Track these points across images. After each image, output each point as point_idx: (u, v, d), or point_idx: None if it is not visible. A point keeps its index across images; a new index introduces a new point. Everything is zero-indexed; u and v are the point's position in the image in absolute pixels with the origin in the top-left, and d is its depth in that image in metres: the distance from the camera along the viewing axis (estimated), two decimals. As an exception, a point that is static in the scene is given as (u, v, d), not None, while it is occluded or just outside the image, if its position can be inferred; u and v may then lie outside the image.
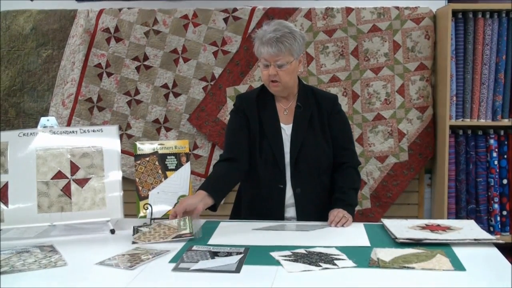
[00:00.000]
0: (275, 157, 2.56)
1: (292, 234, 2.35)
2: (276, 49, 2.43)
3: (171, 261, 1.98)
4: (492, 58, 3.39)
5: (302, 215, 2.58)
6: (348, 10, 3.61)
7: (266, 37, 2.44)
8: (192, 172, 3.65)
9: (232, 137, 2.64)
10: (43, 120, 2.53)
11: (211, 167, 3.76)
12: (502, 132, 3.44)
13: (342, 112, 2.68)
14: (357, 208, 3.68)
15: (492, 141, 3.43)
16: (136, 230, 2.28)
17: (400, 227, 2.31)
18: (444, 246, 2.09)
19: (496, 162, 3.42)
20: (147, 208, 2.49)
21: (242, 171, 2.60)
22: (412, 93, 3.63)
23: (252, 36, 2.56)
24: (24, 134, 2.48)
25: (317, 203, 2.60)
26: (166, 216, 2.49)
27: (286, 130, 2.60)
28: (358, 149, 3.66)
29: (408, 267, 1.88)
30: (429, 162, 3.74)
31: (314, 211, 2.58)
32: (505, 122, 3.40)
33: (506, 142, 3.43)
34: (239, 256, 2.01)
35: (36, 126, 2.52)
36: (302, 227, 2.44)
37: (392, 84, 3.64)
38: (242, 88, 3.64)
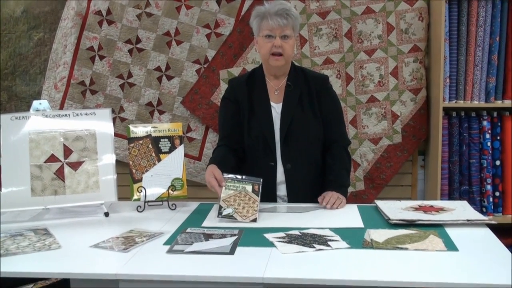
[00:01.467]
0: (265, 134, 2.59)
1: (286, 216, 2.36)
2: (286, 20, 2.50)
3: (165, 243, 1.99)
4: (486, 40, 3.38)
5: (293, 192, 2.61)
6: (342, -8, 3.59)
7: (275, 9, 2.52)
8: (186, 155, 3.65)
9: (225, 126, 2.69)
10: (35, 103, 2.52)
11: (205, 149, 3.76)
12: (495, 114, 3.44)
13: (332, 91, 2.70)
14: (351, 189, 3.69)
15: (485, 123, 3.43)
16: (220, 208, 2.28)
17: (394, 209, 2.32)
18: (437, 227, 2.11)
19: (489, 144, 3.43)
20: (141, 191, 2.49)
21: (239, 157, 2.65)
22: (405, 75, 3.63)
23: (253, 13, 2.59)
24: (16, 118, 2.46)
25: (308, 180, 2.63)
26: (160, 199, 2.50)
27: (277, 108, 2.62)
28: (351, 131, 3.66)
29: (401, 248, 1.89)
30: (423, 144, 3.74)
31: (305, 188, 2.61)
32: (498, 103, 3.41)
33: (499, 124, 3.44)
34: (233, 238, 2.02)
35: (28, 110, 2.51)
36: (296, 208, 2.45)
37: (386, 66, 3.63)
38: (236, 71, 3.63)
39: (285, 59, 2.54)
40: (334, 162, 2.62)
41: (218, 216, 2.25)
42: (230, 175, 2.34)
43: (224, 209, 2.26)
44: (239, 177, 2.35)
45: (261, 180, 2.35)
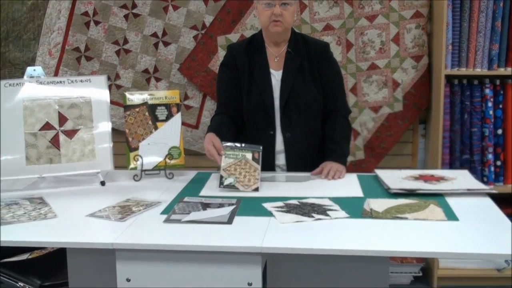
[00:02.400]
0: (264, 102, 2.58)
1: (284, 185, 2.36)
2: None
3: (162, 213, 1.99)
4: (489, 6, 3.34)
5: (293, 162, 2.62)
6: (343, -44, 3.54)
7: None
8: (183, 123, 3.64)
9: (223, 93, 2.68)
10: (29, 70, 2.50)
11: (203, 118, 3.74)
12: (498, 82, 3.42)
13: (333, 59, 2.69)
14: (351, 159, 3.69)
15: (487, 91, 3.41)
16: (222, 178, 2.28)
17: (394, 178, 2.32)
18: (438, 197, 2.11)
19: (491, 112, 3.42)
20: (138, 160, 2.49)
21: (238, 125, 2.65)
22: (407, 42, 3.59)
23: None
24: (10, 85, 2.44)
25: (308, 150, 2.63)
26: (157, 168, 2.50)
27: (276, 76, 2.61)
28: (351, 99, 3.65)
29: (401, 218, 1.89)
30: (424, 113, 3.73)
31: (304, 158, 2.62)
32: (501, 71, 3.38)
33: (501, 92, 3.42)
34: (231, 208, 2.02)
35: (22, 77, 2.49)
36: (295, 178, 2.45)
37: (387, 33, 3.59)
38: (234, 37, 3.59)
39: (284, 26, 2.52)
40: (334, 131, 2.62)
41: (220, 186, 2.24)
42: (229, 143, 2.34)
43: (226, 178, 2.26)
44: (238, 145, 2.34)
45: (261, 148, 2.35)
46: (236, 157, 2.32)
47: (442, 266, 3.43)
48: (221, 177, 2.27)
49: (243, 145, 2.35)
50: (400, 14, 3.57)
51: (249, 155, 2.33)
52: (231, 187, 2.24)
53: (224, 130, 2.52)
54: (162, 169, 2.51)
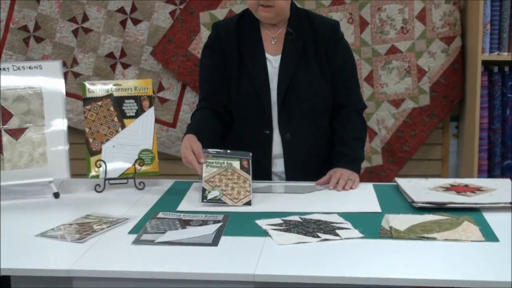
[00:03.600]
0: (258, 95, 2.59)
1: (283, 197, 2.36)
2: None
3: (131, 232, 1.99)
4: (538, -25, 3.36)
5: (293, 169, 2.62)
6: None
7: None
8: (157, 121, 3.64)
9: (207, 83, 2.69)
10: (-36, 53, 2.49)
11: (181, 114, 3.75)
12: (547, 69, 3.44)
13: (344, 41, 2.69)
14: (366, 164, 3.70)
15: (535, 81, 3.43)
16: (204, 191, 2.27)
17: (419, 189, 2.32)
18: (473, 212, 2.11)
19: (539, 107, 3.44)
20: (100, 166, 2.49)
21: (225, 123, 2.66)
22: (435, 20, 3.61)
23: None
24: None
25: (312, 153, 2.65)
26: (124, 176, 2.50)
27: (273, 62, 2.61)
28: (367, 90, 3.66)
29: (427, 238, 1.90)
30: (456, 107, 3.74)
31: (308, 164, 2.63)
32: (552, 56, 3.40)
33: (552, 82, 3.44)
34: (217, 225, 2.02)
35: (-45, 62, 2.49)
36: (295, 188, 2.45)
37: (411, 8, 3.61)
38: (220, 13, 3.60)
39: (275, 11, 2.53)
40: (345, 131, 2.63)
41: (202, 201, 2.24)
42: (211, 150, 2.34)
43: (209, 191, 2.26)
44: (222, 151, 2.34)
45: (251, 155, 2.35)
46: (220, 166, 2.32)
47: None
48: (204, 189, 2.27)
49: (228, 151, 2.35)
50: (426, -15, 3.59)
51: (236, 164, 2.33)
52: (217, 201, 2.24)
53: (207, 130, 2.52)
54: (131, 178, 2.51)
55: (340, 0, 3.59)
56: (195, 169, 2.32)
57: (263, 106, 2.59)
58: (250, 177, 2.32)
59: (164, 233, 1.96)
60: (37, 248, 1.90)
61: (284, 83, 2.58)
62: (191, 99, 3.72)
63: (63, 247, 1.90)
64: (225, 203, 2.24)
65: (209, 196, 2.25)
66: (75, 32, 3.69)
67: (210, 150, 2.35)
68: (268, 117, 2.60)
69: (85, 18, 3.67)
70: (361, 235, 1.93)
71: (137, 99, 2.56)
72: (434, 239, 1.90)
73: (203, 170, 2.31)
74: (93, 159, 2.51)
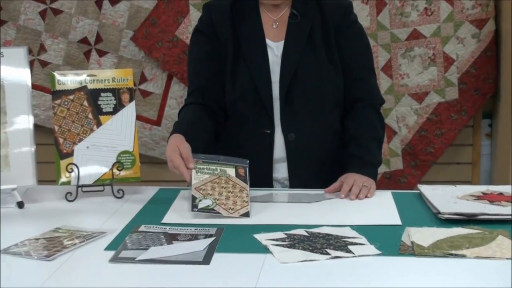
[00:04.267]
0: (257, 88, 2.60)
1: (287, 207, 2.37)
2: None
3: (108, 248, 1.99)
4: None
5: (298, 174, 2.64)
6: None
7: None
8: (139, 117, 3.64)
9: (197, 74, 2.70)
10: None
11: (167, 109, 3.75)
12: None
13: (358, 25, 2.70)
14: (383, 169, 3.70)
15: None
16: (194, 199, 2.27)
17: (446, 197, 2.32)
18: (509, 224, 2.11)
19: None
20: (72, 171, 2.49)
21: (218, 121, 2.67)
22: (465, 0, 3.61)
23: None
24: None
25: (320, 157, 2.66)
26: (100, 183, 2.50)
27: (275, 49, 2.62)
28: (384, 82, 3.66)
29: (456, 255, 1.90)
30: (489, 102, 3.75)
31: (315, 168, 2.64)
32: None
33: None
34: (209, 240, 2.02)
35: None
36: (301, 197, 2.46)
37: (436, -14, 3.61)
38: (213, -8, 3.60)
39: None
40: (359, 129, 2.64)
41: (192, 210, 2.24)
42: (201, 156, 2.34)
43: (200, 200, 2.26)
44: (213, 157, 2.35)
45: (248, 162, 2.35)
46: (212, 173, 2.32)
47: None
48: (194, 198, 2.26)
49: (221, 157, 2.35)
50: (454, -42, 3.60)
51: (231, 171, 2.33)
52: (209, 211, 2.24)
53: (197, 130, 2.53)
54: (108, 185, 2.51)
55: (353, -24, 3.59)
56: (183, 175, 2.31)
57: (262, 101, 2.60)
58: (247, 186, 2.32)
59: (146, 249, 1.96)
60: (-2, 267, 1.90)
61: (288, 73, 2.59)
62: (179, 92, 3.73)
63: (28, 266, 1.89)
64: (218, 213, 2.24)
65: (200, 205, 2.25)
66: (42, 14, 3.69)
67: (200, 155, 2.35)
68: (269, 114, 2.60)
69: (54, -3, 3.68)
70: (378, 251, 1.93)
71: (115, 92, 2.56)
72: (463, 256, 1.89)
73: (192, 176, 2.31)
74: (63, 163, 2.51)
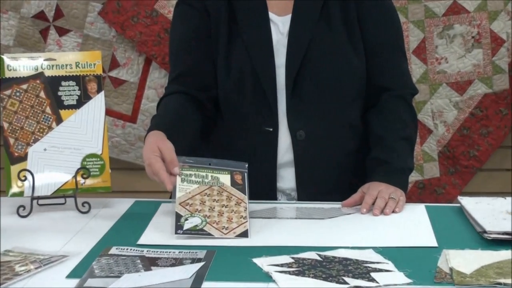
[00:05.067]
0: (258, 74, 2.60)
1: (294, 224, 2.38)
2: None
3: (70, 276, 1.99)
4: None
5: (308, 183, 2.65)
6: None
7: None
8: (109, 112, 3.64)
9: (182, 56, 2.71)
10: None
11: (144, 102, 3.76)
12: None
13: (383, -2, 2.71)
14: (415, 176, 3.71)
15: None
16: (179, 218, 2.27)
17: (493, 212, 2.33)
18: None
19: None
20: (25, 179, 2.49)
21: (207, 116, 2.68)
22: (517, -36, 3.63)
23: None
24: None
25: (336, 161, 2.67)
26: (61, 193, 2.50)
27: (281, 25, 2.63)
28: (417, 68, 3.67)
29: (505, 284, 1.90)
30: (548, 93, 3.75)
31: (329, 176, 2.65)
32: None
33: None
34: (197, 266, 2.03)
35: None
36: (312, 211, 2.47)
37: None
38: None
39: None
40: (385, 127, 2.65)
41: (176, 232, 2.23)
42: (188, 159, 2.34)
43: (186, 218, 2.26)
44: (203, 160, 2.35)
45: (246, 166, 2.36)
46: (202, 181, 2.32)
47: None
48: (178, 216, 2.26)
49: (213, 161, 2.36)
50: None
51: (225, 178, 2.34)
52: (198, 232, 2.24)
53: (180, 125, 2.54)
54: (71, 196, 2.52)
55: None
56: (164, 183, 2.30)
57: (264, 90, 2.61)
58: (246, 198, 2.32)
59: (119, 277, 1.96)
60: None
61: (296, 56, 2.59)
62: (159, 80, 3.74)
63: (-29, 298, 1.90)
64: (210, 234, 2.24)
65: (186, 226, 2.25)
66: (-12, -18, 3.70)
67: (186, 158, 2.35)
68: (272, 107, 2.61)
69: (3, -38, 3.69)
70: (408, 280, 1.94)
71: (80, 80, 2.56)
72: (514, 286, 1.90)
73: (177, 187, 2.31)
74: (14, 169, 2.51)
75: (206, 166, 2.35)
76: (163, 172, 2.29)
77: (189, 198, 2.29)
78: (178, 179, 2.30)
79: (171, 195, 2.33)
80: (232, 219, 2.27)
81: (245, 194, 2.33)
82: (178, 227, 2.23)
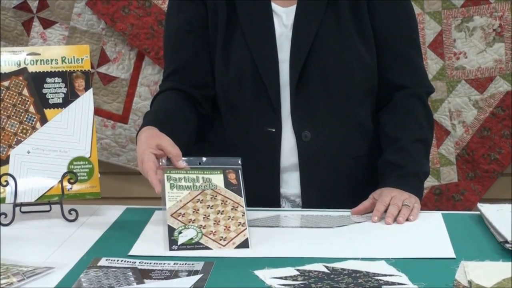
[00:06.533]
0: (258, 69, 2.61)
1: (299, 234, 2.38)
2: None
3: (56, 289, 2.00)
4: None
5: (314, 189, 2.65)
6: None
7: None
8: (98, 112, 3.65)
9: (177, 51, 2.72)
10: None
11: (136, 100, 3.76)
12: None
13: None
14: (431, 182, 3.71)
15: None
16: (172, 231, 2.26)
17: (515, 221, 2.34)
18: None
19: None
20: (7, 184, 2.50)
21: (203, 114, 2.70)
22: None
23: None
24: None
25: (345, 165, 2.67)
26: (45, 200, 2.51)
27: (285, 16, 2.64)
28: (433, 64, 3.68)
29: (528, 299, 1.91)
30: None
31: (337, 181, 2.65)
32: None
33: None
34: (194, 279, 2.03)
35: None
36: (318, 219, 2.48)
37: None
38: None
39: None
40: (398, 128, 2.65)
41: (171, 248, 2.23)
42: (184, 159, 2.35)
43: (180, 231, 2.26)
44: (193, 159, 2.35)
45: (240, 161, 2.36)
46: (193, 185, 2.33)
47: None
48: (170, 229, 2.26)
49: (203, 160, 2.36)
50: None
51: (217, 179, 2.34)
52: (193, 246, 2.24)
53: (174, 124, 2.54)
54: (56, 203, 2.53)
55: None
56: (152, 185, 2.30)
57: (266, 87, 2.61)
58: (242, 200, 2.33)
59: (109, 291, 1.98)
60: None
61: (302, 50, 2.60)
62: (152, 77, 3.75)
63: None
64: (207, 247, 2.24)
65: (181, 240, 2.24)
66: (-34, -30, 3.71)
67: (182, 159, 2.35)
68: (274, 105, 2.62)
69: None
70: (423, 294, 1.95)
71: (66, 76, 2.57)
72: (539, 301, 1.91)
73: (166, 195, 2.31)
74: (-5, 173, 2.52)
75: (196, 165, 2.34)
76: (152, 173, 2.30)
77: (180, 208, 2.29)
78: (167, 185, 2.30)
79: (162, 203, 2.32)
80: (229, 227, 2.27)
81: (241, 196, 2.33)
82: (172, 242, 2.23)
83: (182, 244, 2.23)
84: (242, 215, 2.30)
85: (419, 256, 2.17)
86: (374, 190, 2.54)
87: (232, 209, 2.30)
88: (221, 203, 2.31)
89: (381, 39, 2.66)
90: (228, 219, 2.29)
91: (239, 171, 2.35)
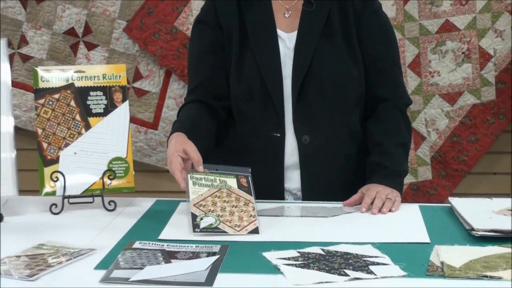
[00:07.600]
0: (265, 84, 2.61)
1: (299, 222, 2.38)
2: None
3: (98, 267, 1.99)
4: None
5: (313, 184, 2.65)
6: None
7: None
8: (133, 120, 3.65)
9: (199, 69, 2.72)
10: None
11: (165, 110, 3.76)
12: None
13: (382, 14, 2.71)
14: (410, 179, 3.71)
15: None
16: (195, 218, 2.27)
17: (480, 212, 2.32)
18: (552, 243, 2.12)
19: None
20: (57, 180, 2.50)
21: (221, 122, 2.69)
22: (504, -13, 3.62)
23: None
24: None
25: (338, 164, 2.67)
26: (89, 193, 2.51)
27: (288, 40, 2.63)
28: (412, 80, 3.67)
29: (491, 277, 1.90)
30: (531, 104, 3.74)
31: (332, 177, 2.65)
32: None
33: None
34: (212, 259, 2.03)
35: None
36: (316, 210, 2.47)
37: (471, -29, 3.62)
38: (217, -23, 3.61)
39: None
40: (382, 134, 2.65)
41: (195, 231, 2.24)
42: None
43: (201, 218, 2.27)
44: (211, 166, 2.36)
45: (250, 170, 2.36)
46: (211, 184, 2.33)
47: None
48: (194, 216, 2.28)
49: (219, 167, 2.38)
50: None
51: (232, 182, 2.35)
52: (213, 230, 2.24)
53: (198, 131, 2.54)
54: (98, 195, 2.53)
55: (377, -40, 3.60)
56: (178, 182, 2.32)
57: (272, 99, 2.61)
58: (253, 199, 2.33)
59: (141, 268, 1.97)
60: (-26, 287, 1.91)
61: (302, 67, 2.60)
62: (178, 91, 3.74)
63: (8, 287, 1.91)
64: (224, 232, 2.24)
65: (203, 224, 2.25)
66: (23, 1, 3.70)
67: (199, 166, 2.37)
68: (279, 114, 2.62)
69: (37, -17, 3.70)
70: (403, 273, 1.94)
71: (106, 90, 2.56)
72: (499, 278, 1.89)
73: (190, 189, 2.32)
74: (47, 171, 2.52)
75: (213, 171, 2.36)
76: (178, 172, 2.31)
77: (201, 200, 2.30)
78: (190, 182, 2.31)
79: (187, 196, 2.33)
80: (242, 218, 2.27)
81: (252, 195, 2.34)
82: (195, 226, 2.24)
83: (204, 228, 2.23)
84: (253, 209, 2.30)
85: (400, 241, 2.17)
86: (362, 186, 2.54)
87: (244, 204, 2.31)
88: (235, 199, 2.31)
89: (368, 60, 2.65)
90: (241, 211, 2.29)
91: (249, 177, 2.36)
